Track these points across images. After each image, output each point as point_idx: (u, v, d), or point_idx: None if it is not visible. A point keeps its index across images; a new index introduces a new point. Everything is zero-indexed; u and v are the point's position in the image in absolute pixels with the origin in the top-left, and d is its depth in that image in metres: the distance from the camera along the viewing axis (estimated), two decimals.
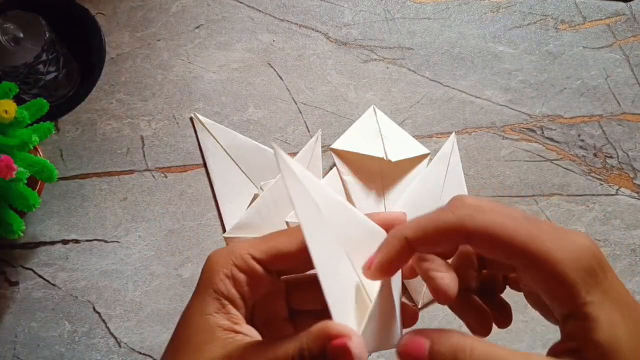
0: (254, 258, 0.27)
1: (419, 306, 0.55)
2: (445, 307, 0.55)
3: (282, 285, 0.30)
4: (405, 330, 0.26)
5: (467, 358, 0.22)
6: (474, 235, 0.24)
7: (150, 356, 0.54)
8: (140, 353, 0.54)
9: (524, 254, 0.23)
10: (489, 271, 0.30)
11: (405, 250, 0.25)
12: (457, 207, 0.25)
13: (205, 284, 0.26)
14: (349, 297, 0.25)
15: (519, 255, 0.23)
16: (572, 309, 0.23)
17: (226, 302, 0.26)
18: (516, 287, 0.30)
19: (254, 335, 0.26)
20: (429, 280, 0.25)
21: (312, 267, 0.26)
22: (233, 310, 0.26)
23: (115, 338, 0.54)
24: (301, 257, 0.27)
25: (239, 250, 0.27)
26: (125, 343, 0.54)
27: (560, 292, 0.23)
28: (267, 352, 0.24)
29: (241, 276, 0.26)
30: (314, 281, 0.30)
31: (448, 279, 0.25)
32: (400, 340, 0.23)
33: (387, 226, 0.29)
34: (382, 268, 0.26)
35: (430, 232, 0.25)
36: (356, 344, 0.22)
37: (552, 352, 0.24)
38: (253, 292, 0.27)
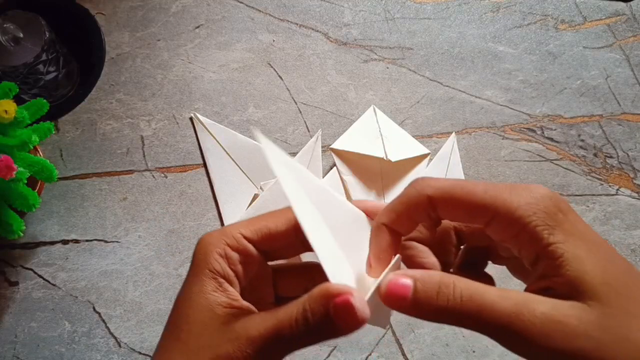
0: (245, 237, 0.27)
1: None
2: None
3: (270, 271, 0.30)
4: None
5: (450, 292, 0.23)
6: (437, 200, 0.25)
7: (150, 356, 0.54)
8: (140, 353, 0.54)
9: (485, 208, 0.24)
10: (468, 245, 0.31)
11: (389, 238, 0.26)
12: (417, 183, 0.26)
13: (200, 265, 0.27)
14: (342, 267, 0.25)
15: (480, 210, 0.24)
16: (538, 252, 0.23)
17: (222, 281, 0.26)
18: (498, 259, 0.31)
19: (252, 310, 0.27)
20: (413, 265, 0.27)
21: (299, 250, 0.28)
22: (230, 288, 0.27)
23: (115, 338, 0.54)
24: (290, 236, 0.27)
25: (231, 230, 0.27)
26: (125, 343, 0.54)
27: (524, 237, 0.24)
28: (269, 319, 0.24)
29: (234, 255, 0.27)
30: (300, 269, 0.30)
31: (430, 264, 0.27)
32: (383, 280, 0.24)
33: (371, 214, 0.29)
34: (379, 262, 0.26)
35: (400, 212, 0.26)
36: (358, 300, 0.23)
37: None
38: (246, 271, 0.27)
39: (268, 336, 0.24)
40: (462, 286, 0.23)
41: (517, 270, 0.30)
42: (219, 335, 0.25)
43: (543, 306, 0.22)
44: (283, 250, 0.29)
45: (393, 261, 0.27)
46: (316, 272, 0.30)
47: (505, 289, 0.23)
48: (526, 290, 0.25)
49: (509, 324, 0.22)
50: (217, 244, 0.27)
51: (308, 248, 0.28)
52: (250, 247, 0.27)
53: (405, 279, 0.24)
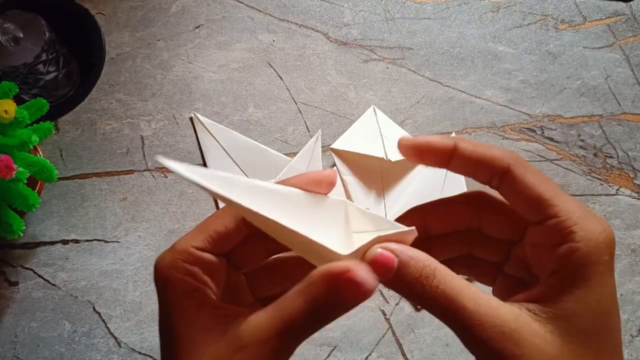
0: (197, 248, 0.26)
1: (419, 306, 0.55)
2: None
3: (242, 278, 0.30)
4: None
5: (429, 282, 0.23)
6: (521, 186, 0.25)
7: (150, 356, 0.54)
8: (140, 353, 0.54)
9: (549, 206, 0.24)
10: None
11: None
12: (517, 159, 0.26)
13: (169, 290, 0.26)
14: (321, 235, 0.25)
15: (540, 204, 0.24)
16: (562, 269, 0.23)
17: (198, 294, 0.26)
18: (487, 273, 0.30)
19: (242, 312, 0.26)
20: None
21: (258, 244, 0.27)
22: (209, 299, 0.26)
23: (115, 338, 0.54)
24: (242, 231, 0.27)
25: (181, 245, 0.26)
26: (125, 343, 0.54)
27: (564, 251, 0.23)
28: (273, 317, 0.23)
29: (195, 269, 0.26)
30: (272, 267, 0.29)
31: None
32: (372, 251, 0.24)
33: (316, 184, 0.29)
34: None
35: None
36: (361, 273, 0.22)
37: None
38: (215, 280, 0.27)
39: (280, 333, 0.23)
40: (441, 279, 0.23)
41: (502, 289, 0.29)
42: (224, 348, 0.24)
43: (516, 323, 0.22)
44: (245, 252, 0.28)
45: (407, 229, 0.26)
46: (287, 265, 0.30)
47: (485, 294, 0.23)
48: (521, 294, 0.25)
49: (472, 330, 0.23)
50: (174, 264, 0.26)
51: (269, 247, 0.28)
52: (207, 256, 0.26)
53: (391, 254, 0.24)
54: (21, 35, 0.52)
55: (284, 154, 0.59)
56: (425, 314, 0.55)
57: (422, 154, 0.27)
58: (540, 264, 0.25)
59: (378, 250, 0.24)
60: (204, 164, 0.58)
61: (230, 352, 0.23)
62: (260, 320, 0.24)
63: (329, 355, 0.54)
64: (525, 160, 0.26)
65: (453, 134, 0.60)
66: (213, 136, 0.59)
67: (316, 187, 0.28)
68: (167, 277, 0.26)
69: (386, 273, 0.23)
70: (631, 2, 0.65)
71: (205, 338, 0.24)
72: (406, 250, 0.24)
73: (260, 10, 0.63)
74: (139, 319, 0.54)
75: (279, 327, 0.23)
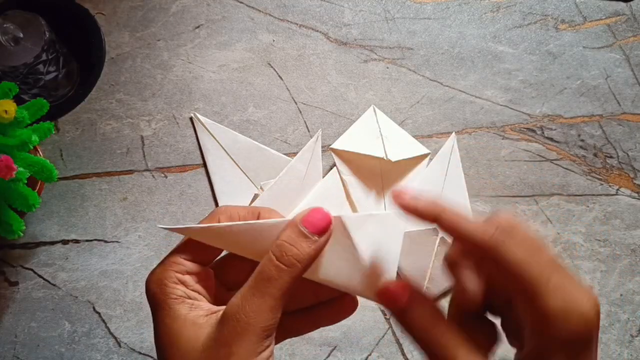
0: (186, 259, 0.28)
1: None
2: (445, 308, 0.55)
3: (211, 272, 0.31)
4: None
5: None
6: (501, 262, 0.25)
7: (150, 356, 0.54)
8: (140, 353, 0.54)
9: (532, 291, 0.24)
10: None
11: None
12: (494, 226, 0.26)
13: (162, 300, 0.27)
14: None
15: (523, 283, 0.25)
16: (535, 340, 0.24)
17: (191, 301, 0.27)
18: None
19: None
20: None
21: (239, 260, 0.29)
22: (202, 304, 0.27)
23: (115, 338, 0.54)
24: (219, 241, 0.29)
25: (170, 258, 0.29)
26: (125, 343, 0.54)
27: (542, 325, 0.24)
28: (249, 280, 0.26)
29: (188, 277, 0.28)
30: (237, 258, 0.30)
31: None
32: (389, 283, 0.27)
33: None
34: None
35: (464, 235, 0.27)
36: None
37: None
38: (207, 287, 0.29)
39: (264, 281, 0.26)
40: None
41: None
42: (220, 334, 0.25)
43: None
44: (230, 268, 0.30)
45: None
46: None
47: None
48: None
49: None
50: (166, 276, 0.28)
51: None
52: (196, 265, 0.28)
53: (404, 293, 0.26)
54: (21, 35, 0.52)
55: (284, 154, 0.59)
56: None
57: (409, 213, 0.28)
58: (523, 332, 0.25)
59: (390, 281, 0.27)
60: (204, 164, 0.58)
61: (230, 334, 0.25)
62: (238, 293, 0.26)
63: (329, 355, 0.54)
64: (513, 224, 0.25)
65: (453, 134, 0.60)
66: (213, 136, 0.59)
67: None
68: (161, 287, 0.27)
69: (395, 304, 0.26)
70: (631, 2, 0.65)
71: (197, 334, 0.26)
72: (411, 297, 0.27)
73: (260, 10, 0.63)
74: (139, 319, 0.54)
75: (264, 279, 0.26)
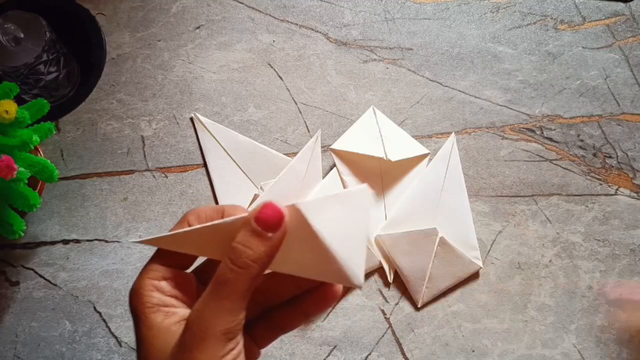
0: (162, 264, 0.28)
1: (419, 306, 0.55)
2: (445, 308, 0.55)
3: (191, 275, 0.31)
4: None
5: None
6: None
7: None
8: None
9: None
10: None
11: None
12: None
13: (139, 310, 0.27)
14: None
15: None
16: None
17: (167, 309, 0.27)
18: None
19: None
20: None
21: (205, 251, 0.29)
22: (178, 310, 0.28)
23: (116, 338, 0.54)
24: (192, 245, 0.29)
25: (147, 266, 0.29)
26: (126, 343, 0.54)
27: None
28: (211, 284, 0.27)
29: (164, 284, 0.28)
30: (217, 260, 0.30)
31: None
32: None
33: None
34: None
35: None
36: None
37: None
38: (187, 291, 0.29)
39: (223, 283, 0.26)
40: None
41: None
42: (183, 340, 0.26)
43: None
44: (210, 270, 0.30)
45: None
46: None
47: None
48: None
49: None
50: (142, 284, 0.28)
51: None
52: (173, 270, 0.28)
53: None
54: (22, 35, 0.52)
55: (284, 154, 0.59)
56: (425, 313, 0.56)
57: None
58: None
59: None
60: (205, 164, 0.58)
61: (200, 340, 0.26)
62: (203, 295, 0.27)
63: (328, 354, 0.54)
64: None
65: (452, 134, 0.60)
66: (213, 136, 0.59)
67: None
68: (138, 297, 0.27)
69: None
70: (630, 3, 0.65)
71: (168, 342, 0.26)
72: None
73: (260, 11, 0.64)
74: None
75: (222, 284, 0.26)
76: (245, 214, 0.27)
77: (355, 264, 0.26)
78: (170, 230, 0.29)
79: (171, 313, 0.27)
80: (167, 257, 0.29)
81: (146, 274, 0.28)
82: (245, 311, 0.26)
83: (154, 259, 0.29)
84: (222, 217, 0.29)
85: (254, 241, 0.26)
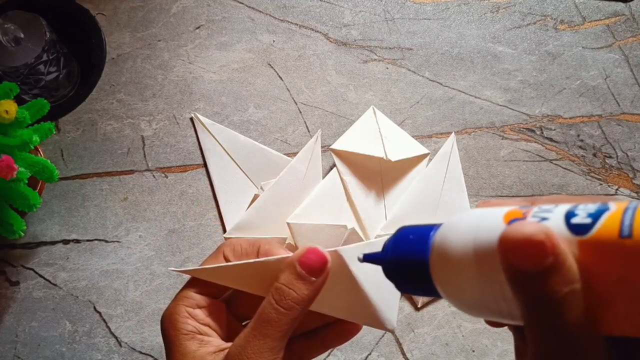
0: (197, 292, 0.29)
1: (419, 306, 0.55)
2: (445, 307, 0.55)
3: (222, 305, 0.32)
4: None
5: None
6: None
7: (150, 356, 0.54)
8: (140, 353, 0.54)
9: None
10: None
11: None
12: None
13: (174, 336, 0.28)
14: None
15: None
16: None
17: (201, 337, 0.28)
18: None
19: None
20: None
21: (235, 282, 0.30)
22: (212, 339, 0.28)
23: (116, 338, 0.54)
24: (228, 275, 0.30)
25: (182, 293, 0.29)
26: (126, 343, 0.54)
27: None
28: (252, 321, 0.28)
29: (198, 312, 0.29)
30: (244, 293, 0.31)
31: None
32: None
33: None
34: None
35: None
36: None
37: None
38: (218, 320, 0.29)
39: (262, 326, 0.26)
40: None
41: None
42: None
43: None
44: (242, 301, 0.31)
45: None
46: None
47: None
48: None
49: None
50: (178, 311, 0.28)
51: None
52: (207, 298, 0.29)
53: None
54: (22, 35, 0.52)
55: (284, 154, 0.59)
56: (425, 313, 0.56)
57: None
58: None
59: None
60: (205, 164, 0.58)
61: None
62: (240, 333, 0.27)
63: (328, 354, 0.54)
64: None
65: (452, 134, 0.60)
66: (213, 136, 0.59)
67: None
68: (172, 322, 0.28)
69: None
70: (630, 3, 0.65)
71: None
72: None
73: (260, 11, 0.64)
74: (139, 318, 0.55)
75: (261, 326, 0.27)
76: (287, 254, 0.28)
77: (389, 309, 0.28)
78: (205, 262, 0.30)
79: (205, 342, 0.28)
80: (201, 284, 0.29)
81: (181, 301, 0.29)
82: (284, 350, 0.27)
83: (188, 286, 0.30)
84: (258, 251, 0.30)
85: (298, 284, 0.27)
